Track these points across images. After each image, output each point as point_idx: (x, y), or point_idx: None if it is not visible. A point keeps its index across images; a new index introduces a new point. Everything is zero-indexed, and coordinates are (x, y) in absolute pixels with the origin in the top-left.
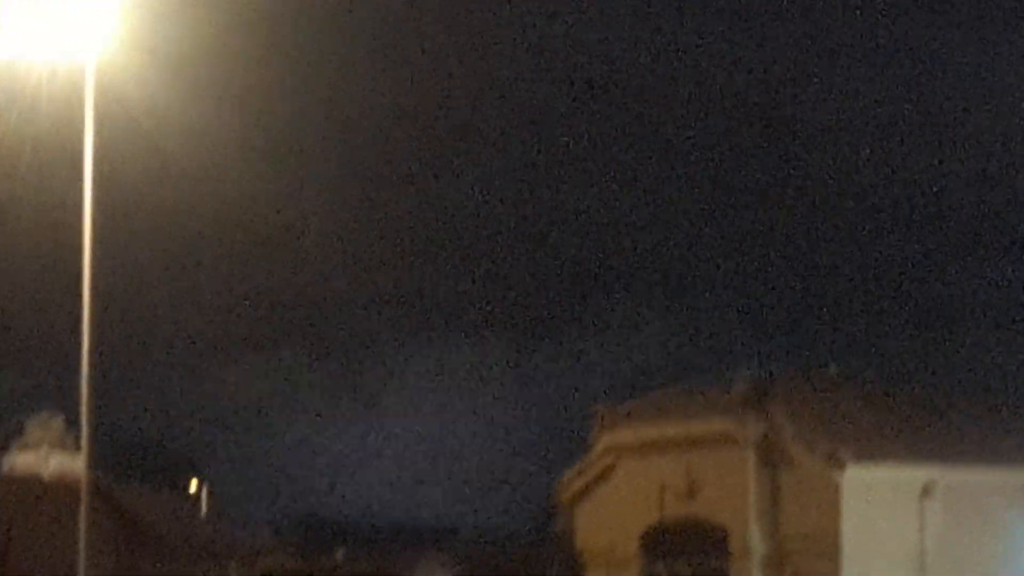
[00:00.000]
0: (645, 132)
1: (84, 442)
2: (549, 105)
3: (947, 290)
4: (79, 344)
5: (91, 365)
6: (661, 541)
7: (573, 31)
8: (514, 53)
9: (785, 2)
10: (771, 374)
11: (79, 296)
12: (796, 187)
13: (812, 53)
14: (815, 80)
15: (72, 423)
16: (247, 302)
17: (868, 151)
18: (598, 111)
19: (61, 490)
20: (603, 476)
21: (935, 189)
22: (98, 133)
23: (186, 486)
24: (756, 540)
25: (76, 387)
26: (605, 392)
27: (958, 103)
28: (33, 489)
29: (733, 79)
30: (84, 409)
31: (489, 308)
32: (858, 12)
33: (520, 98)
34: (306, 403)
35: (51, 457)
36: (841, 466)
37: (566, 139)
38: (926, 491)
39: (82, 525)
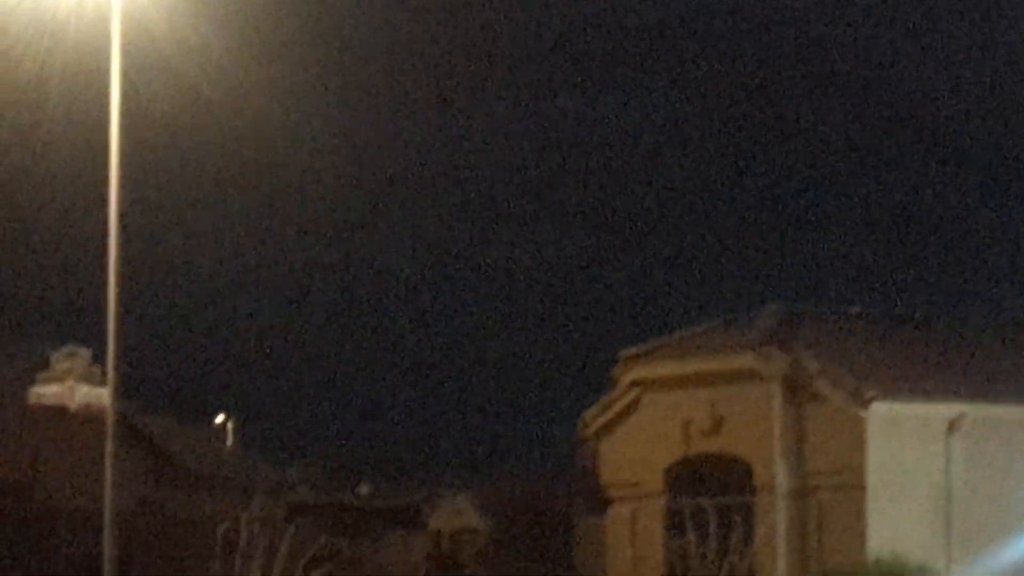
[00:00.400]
0: (673, 63)
1: (110, 372)
2: (579, 38)
3: (975, 225)
4: (105, 276)
5: (117, 297)
6: (685, 476)
7: None
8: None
9: None
10: (797, 310)
11: (105, 228)
12: (823, 124)
13: None
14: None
15: (98, 357)
16: (272, 235)
17: (893, 85)
18: (626, 44)
19: (87, 421)
20: (628, 411)
21: (952, 120)
22: (125, 65)
23: (212, 419)
24: (781, 475)
25: (103, 320)
26: (630, 329)
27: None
28: (59, 420)
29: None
30: (110, 340)
31: (515, 246)
32: None
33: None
34: (331, 337)
35: (77, 389)
36: (866, 402)
37: (595, 71)
38: (952, 427)
39: (108, 456)
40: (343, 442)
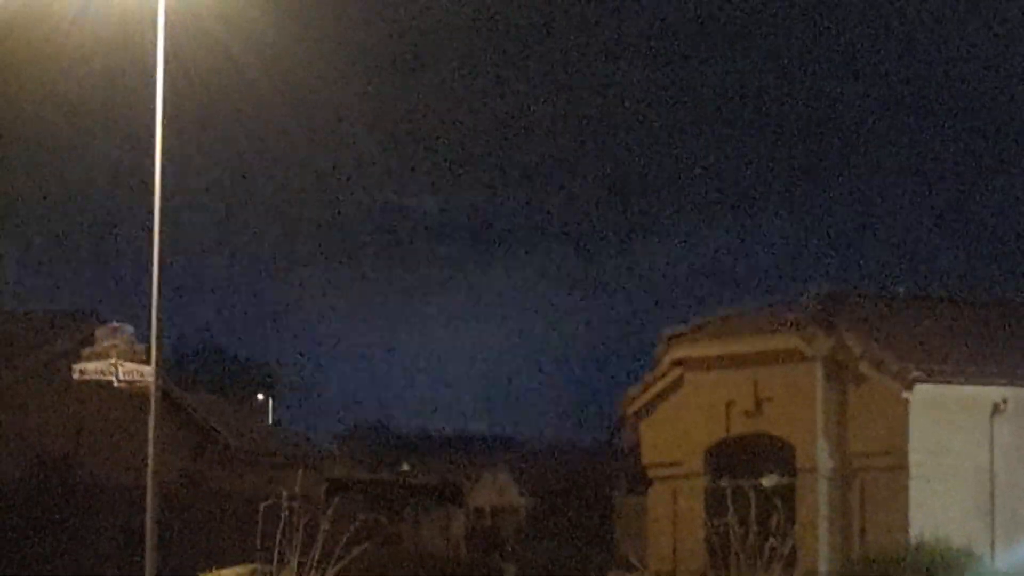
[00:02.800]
0: (711, 42)
1: (153, 349)
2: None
3: (1019, 207)
4: (150, 254)
5: (160, 274)
6: (727, 456)
7: None
8: None
9: None
10: (840, 291)
11: (150, 205)
12: (864, 107)
13: None
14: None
15: (142, 334)
16: (315, 214)
17: (945, 73)
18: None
19: (130, 396)
20: (669, 391)
21: (998, 103)
22: (169, 41)
23: (254, 396)
24: (823, 457)
25: (146, 297)
26: (672, 307)
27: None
28: (102, 395)
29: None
30: (154, 317)
31: (559, 221)
32: None
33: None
34: (372, 314)
35: (121, 365)
36: (910, 383)
37: (632, 48)
38: (996, 409)
39: (151, 433)
40: (384, 419)
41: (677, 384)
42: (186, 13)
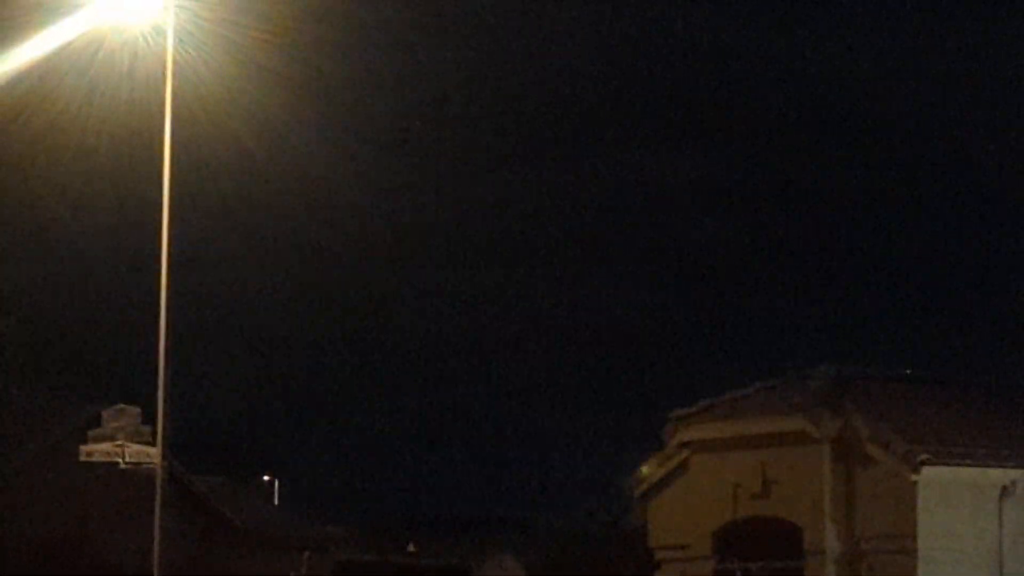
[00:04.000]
0: (719, 120)
1: (160, 431)
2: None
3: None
4: (157, 335)
5: (167, 355)
6: (735, 539)
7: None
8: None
9: None
10: (848, 372)
11: (157, 287)
12: (872, 188)
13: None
14: (887, 76)
15: (148, 416)
16: (318, 293)
17: (947, 147)
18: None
19: (137, 478)
20: (677, 473)
21: (1014, 189)
22: (176, 124)
23: (258, 478)
24: (831, 540)
25: (152, 379)
26: (679, 391)
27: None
28: (109, 477)
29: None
30: (160, 399)
31: (563, 302)
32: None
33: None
34: (376, 396)
35: (127, 447)
36: (918, 466)
37: (641, 128)
38: (1005, 492)
39: (157, 513)
40: (389, 501)
41: (684, 466)
42: (193, 100)
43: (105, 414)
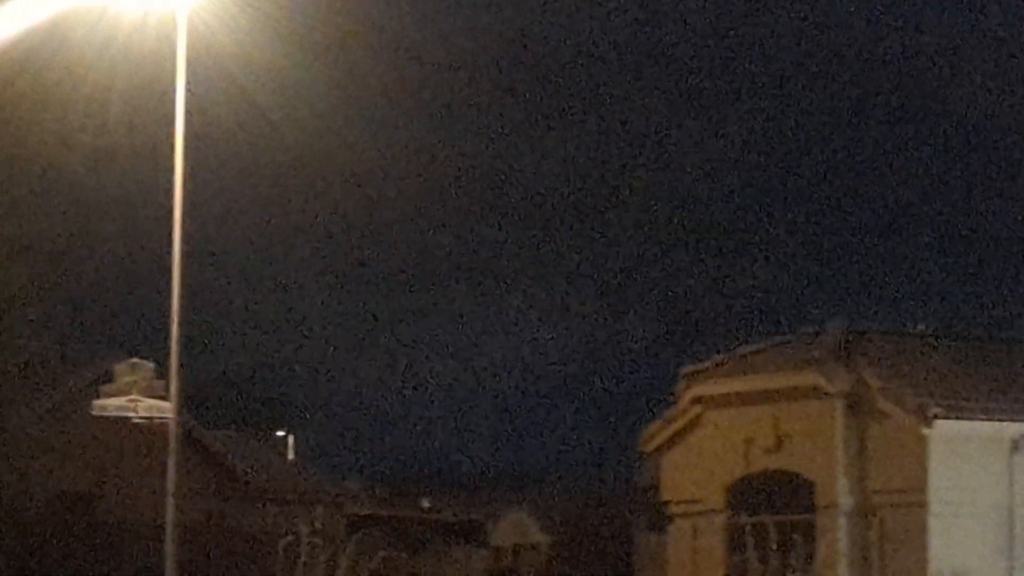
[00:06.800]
0: (735, 84)
1: (173, 385)
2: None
3: None
4: (169, 290)
5: (181, 310)
6: (747, 494)
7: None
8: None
9: None
10: (860, 327)
11: (170, 243)
12: (892, 142)
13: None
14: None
15: (161, 371)
16: (334, 250)
17: (964, 105)
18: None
19: (150, 434)
20: (689, 428)
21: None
22: (189, 81)
23: (273, 433)
24: (843, 493)
25: (166, 333)
26: (692, 344)
27: None
28: (122, 432)
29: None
30: (173, 353)
31: (578, 258)
32: None
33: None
34: (393, 350)
35: (140, 402)
36: (929, 420)
37: (658, 93)
38: (1016, 446)
39: (171, 468)
40: (403, 456)
41: (696, 421)
42: (206, 56)
43: (118, 368)
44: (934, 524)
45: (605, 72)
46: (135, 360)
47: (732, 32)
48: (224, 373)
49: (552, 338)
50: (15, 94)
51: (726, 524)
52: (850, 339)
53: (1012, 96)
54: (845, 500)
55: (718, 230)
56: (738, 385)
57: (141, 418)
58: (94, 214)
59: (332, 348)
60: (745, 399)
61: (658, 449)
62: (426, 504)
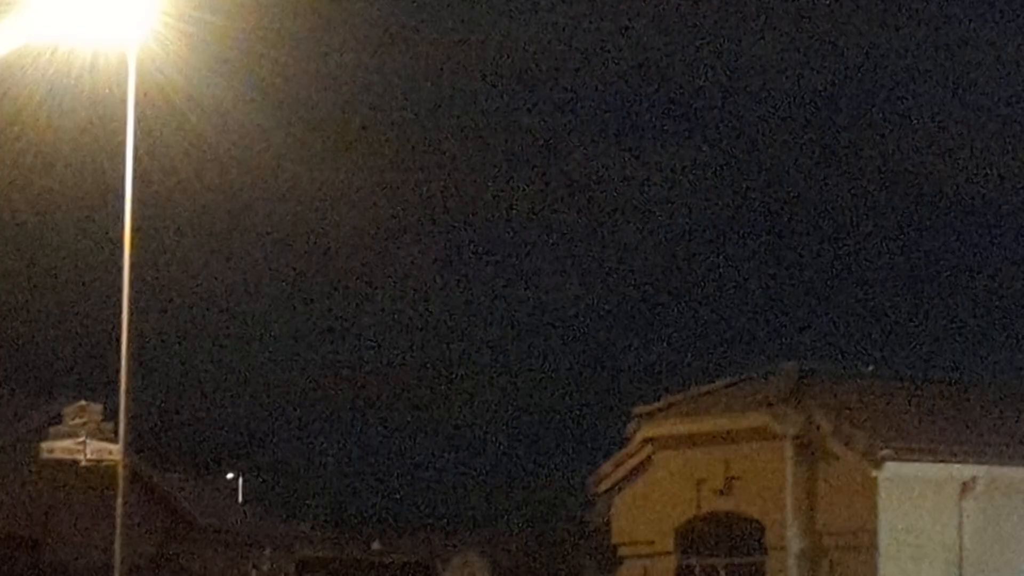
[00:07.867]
0: (689, 123)
1: (121, 427)
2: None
3: (991, 284)
4: (118, 332)
5: (129, 352)
6: (697, 536)
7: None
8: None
9: None
10: (811, 369)
11: (119, 284)
12: (840, 185)
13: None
14: (857, 80)
15: (110, 413)
16: (284, 290)
17: (910, 151)
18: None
19: (98, 476)
20: (640, 469)
21: (976, 187)
22: (139, 121)
23: (222, 476)
24: (793, 536)
25: (115, 375)
26: (642, 387)
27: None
28: (70, 475)
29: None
30: (122, 395)
31: (531, 304)
32: None
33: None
34: (341, 395)
35: (89, 444)
36: (879, 462)
37: (612, 128)
38: (965, 489)
39: (119, 511)
40: (353, 498)
41: (648, 462)
42: (156, 95)
43: (66, 411)
44: (884, 566)
45: (541, 111)
46: (83, 402)
47: (677, 70)
48: (173, 416)
49: (504, 377)
50: None
51: (676, 566)
52: (801, 381)
53: (956, 139)
54: (795, 542)
55: (673, 272)
56: (689, 426)
57: (89, 460)
58: (42, 256)
59: (281, 392)
60: (696, 440)
61: (609, 490)
62: (376, 546)
